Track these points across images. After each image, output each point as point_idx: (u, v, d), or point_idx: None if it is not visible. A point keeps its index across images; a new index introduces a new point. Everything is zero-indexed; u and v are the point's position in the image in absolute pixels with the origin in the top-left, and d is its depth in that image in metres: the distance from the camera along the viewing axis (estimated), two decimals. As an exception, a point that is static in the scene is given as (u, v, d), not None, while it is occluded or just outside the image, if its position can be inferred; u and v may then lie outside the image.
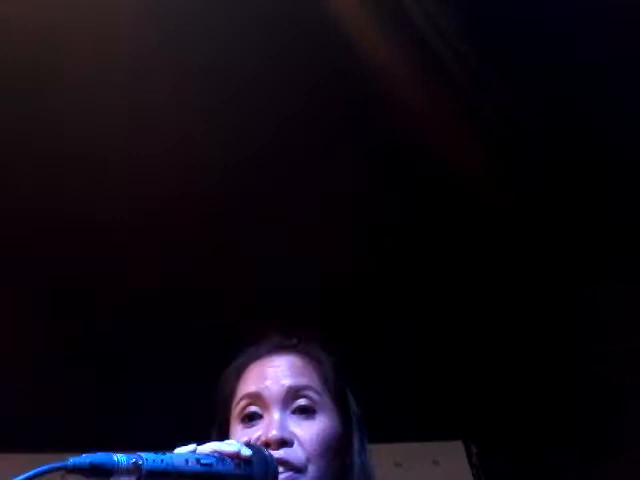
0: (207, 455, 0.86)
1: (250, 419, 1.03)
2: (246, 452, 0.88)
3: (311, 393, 1.04)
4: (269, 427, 0.99)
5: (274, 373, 1.05)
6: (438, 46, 1.99)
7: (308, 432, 1.00)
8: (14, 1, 1.83)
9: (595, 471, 2.44)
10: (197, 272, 2.41)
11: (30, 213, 2.17)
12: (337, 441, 1.03)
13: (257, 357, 1.09)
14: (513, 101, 2.09)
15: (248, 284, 2.44)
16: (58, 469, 0.75)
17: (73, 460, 0.76)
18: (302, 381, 1.05)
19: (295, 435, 0.99)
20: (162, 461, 0.81)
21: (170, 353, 2.41)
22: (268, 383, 1.04)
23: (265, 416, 1.02)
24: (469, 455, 2.87)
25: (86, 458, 0.76)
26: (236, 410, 1.05)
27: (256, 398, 1.03)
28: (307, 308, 2.40)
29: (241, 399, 1.05)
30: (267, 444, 0.97)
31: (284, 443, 0.97)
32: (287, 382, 1.04)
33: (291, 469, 0.96)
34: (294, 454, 0.97)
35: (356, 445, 1.06)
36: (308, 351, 1.10)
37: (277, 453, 0.96)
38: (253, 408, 1.03)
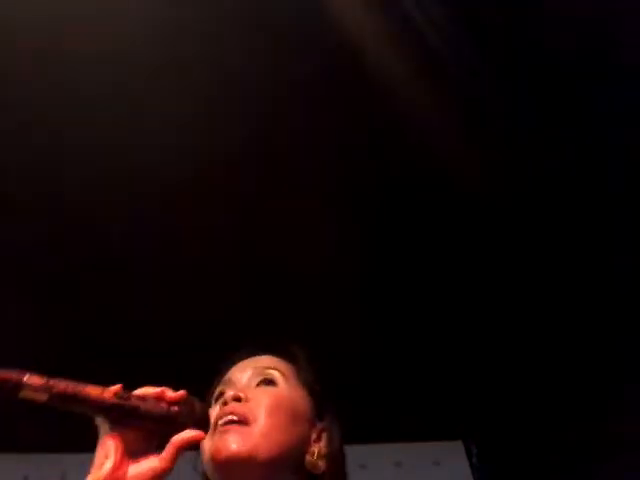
0: (130, 392, 0.87)
1: (220, 397, 1.07)
2: (171, 394, 0.90)
3: (275, 372, 1.08)
4: (229, 393, 1.04)
5: (246, 365, 1.11)
6: (439, 45, 1.99)
7: (264, 394, 1.04)
8: (15, 1, 1.84)
9: (595, 471, 2.44)
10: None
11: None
12: (296, 410, 1.05)
13: (237, 361, 1.14)
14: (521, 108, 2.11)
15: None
16: None
17: None
18: (268, 364, 1.10)
19: (252, 398, 1.03)
20: (75, 386, 0.83)
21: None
22: (240, 371, 1.09)
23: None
24: (469, 455, 2.87)
25: None
26: (213, 398, 1.10)
27: (227, 382, 1.08)
28: (306, 308, 2.41)
29: (216, 387, 1.10)
30: (225, 404, 1.01)
31: (237, 399, 1.01)
32: (252, 367, 1.09)
33: (236, 419, 0.98)
34: (243, 406, 1.00)
35: (329, 435, 1.07)
36: (283, 351, 1.15)
37: (228, 407, 1.00)
38: (223, 389, 1.07)
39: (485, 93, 2.08)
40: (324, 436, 1.07)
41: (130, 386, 0.89)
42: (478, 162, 2.24)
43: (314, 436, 1.05)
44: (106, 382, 0.89)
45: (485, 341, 2.70)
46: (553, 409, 2.67)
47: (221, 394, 1.07)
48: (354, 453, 3.17)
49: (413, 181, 2.34)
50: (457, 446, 2.90)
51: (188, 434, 0.87)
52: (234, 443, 0.96)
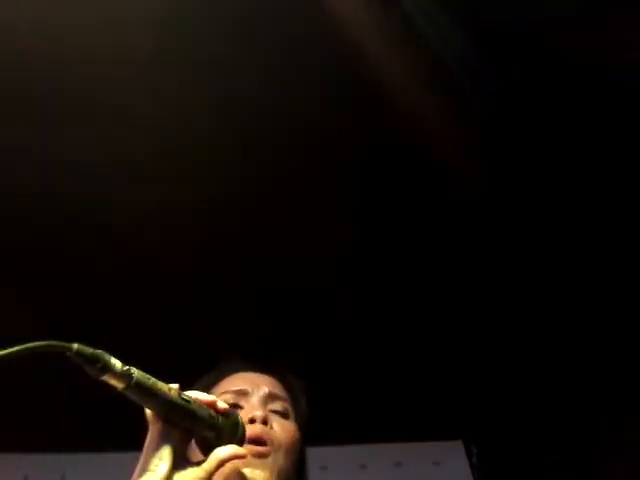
0: (188, 394, 0.89)
1: (237, 407, 1.08)
2: (222, 404, 0.92)
3: (286, 404, 1.13)
4: (253, 409, 1.06)
5: (257, 381, 1.14)
6: (439, 47, 1.99)
7: (283, 427, 1.08)
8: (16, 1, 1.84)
9: (595, 471, 2.44)
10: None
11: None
12: (299, 446, 1.10)
13: (237, 371, 1.17)
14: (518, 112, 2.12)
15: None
16: (61, 348, 0.77)
17: (78, 346, 0.78)
18: (279, 392, 1.14)
19: (272, 425, 1.07)
20: (149, 379, 0.84)
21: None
22: (252, 385, 1.12)
23: (246, 406, 1.09)
24: (469, 455, 2.87)
25: (90, 349, 0.79)
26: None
27: (241, 394, 1.11)
28: (299, 308, 2.42)
29: (224, 393, 1.11)
30: (252, 420, 1.03)
31: (266, 421, 1.04)
32: (269, 388, 1.13)
33: (263, 443, 1.02)
34: (271, 434, 1.04)
35: (306, 470, 1.14)
36: (284, 378, 1.19)
37: (257, 426, 1.02)
38: (237, 401, 1.09)
39: (485, 92, 2.08)
40: (306, 467, 1.14)
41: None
42: (478, 162, 2.24)
43: (300, 460, 1.11)
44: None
45: (485, 341, 2.70)
46: (553, 409, 2.67)
47: (237, 405, 1.08)
48: (354, 453, 3.18)
49: (413, 181, 2.34)
50: (457, 446, 2.90)
51: (233, 450, 0.88)
52: (260, 477, 0.98)
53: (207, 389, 1.12)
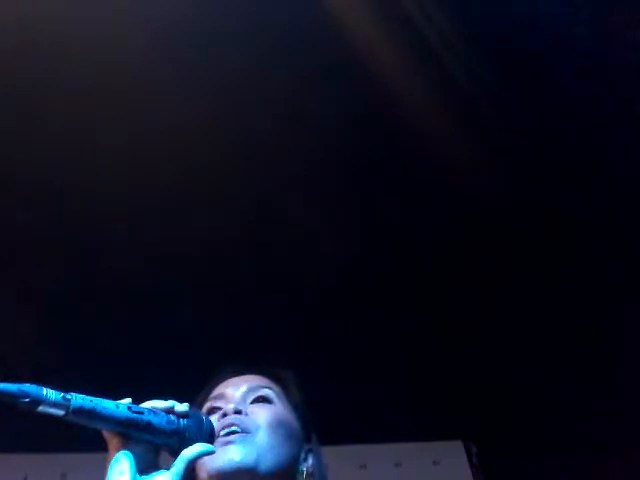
0: (141, 406, 0.89)
1: (213, 412, 1.09)
2: (181, 408, 0.91)
3: (269, 391, 1.12)
4: (227, 405, 1.06)
5: (238, 382, 1.14)
6: (438, 45, 1.99)
7: (262, 409, 1.07)
8: (15, 2, 1.83)
9: (595, 471, 2.44)
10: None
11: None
12: (291, 428, 1.09)
13: (225, 378, 1.17)
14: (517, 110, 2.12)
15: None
16: None
17: (2, 385, 0.77)
18: (260, 383, 1.14)
19: (251, 412, 1.06)
20: (91, 401, 0.83)
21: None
22: (233, 388, 1.13)
23: (223, 406, 1.09)
24: (469, 455, 2.87)
25: (15, 385, 0.78)
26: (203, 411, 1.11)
27: (219, 397, 1.11)
28: (301, 304, 2.42)
29: (207, 402, 1.13)
30: (224, 414, 1.03)
31: (238, 412, 1.04)
32: (246, 384, 1.13)
33: (239, 430, 1.01)
34: (245, 419, 1.03)
35: (316, 455, 1.12)
36: (268, 373, 1.18)
37: (229, 418, 1.02)
38: (215, 404, 1.10)
39: (484, 92, 2.08)
40: (311, 456, 1.10)
41: (135, 397, 0.90)
42: (478, 162, 2.24)
43: (302, 455, 1.09)
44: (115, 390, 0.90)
45: (485, 341, 2.70)
46: (553, 409, 2.67)
47: (215, 408, 1.09)
48: (354, 453, 3.18)
49: (414, 182, 2.34)
50: (457, 446, 2.90)
51: (199, 448, 0.88)
52: (239, 453, 0.98)
53: (204, 401, 1.13)
